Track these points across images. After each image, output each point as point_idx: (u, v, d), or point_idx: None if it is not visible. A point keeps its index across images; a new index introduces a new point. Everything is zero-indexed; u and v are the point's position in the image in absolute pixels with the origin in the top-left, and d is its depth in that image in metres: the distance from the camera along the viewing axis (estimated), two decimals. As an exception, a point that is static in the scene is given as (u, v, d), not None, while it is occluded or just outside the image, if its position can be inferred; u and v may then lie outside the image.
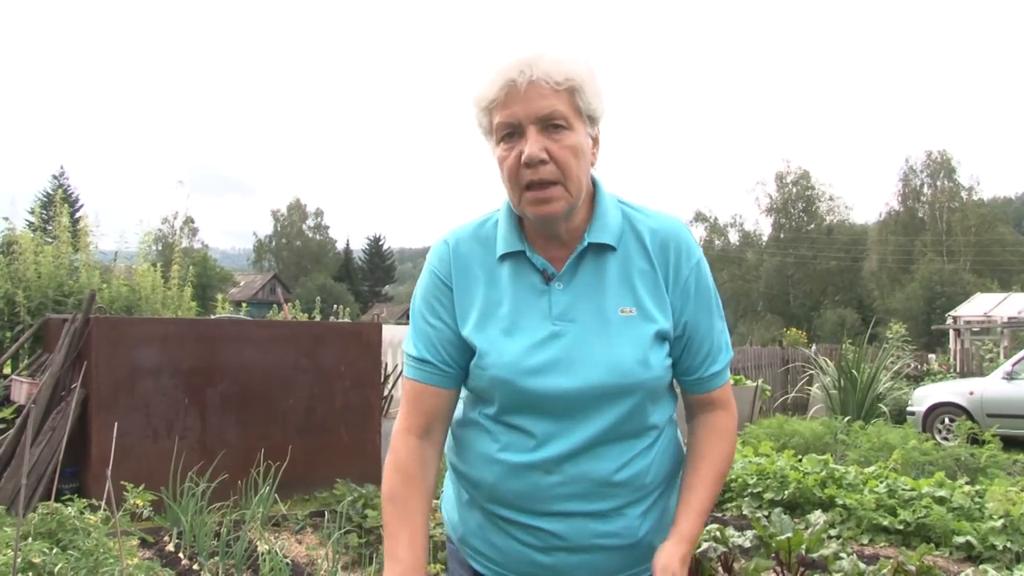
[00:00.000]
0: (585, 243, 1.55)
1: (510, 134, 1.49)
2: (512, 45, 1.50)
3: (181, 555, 4.87)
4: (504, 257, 1.59)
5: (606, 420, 1.52)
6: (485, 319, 1.57)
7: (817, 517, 4.60)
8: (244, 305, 14.45)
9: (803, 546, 4.05)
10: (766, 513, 5.78)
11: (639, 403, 1.54)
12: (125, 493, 4.48)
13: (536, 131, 1.46)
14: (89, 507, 4.32)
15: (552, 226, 1.54)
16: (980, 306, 22.82)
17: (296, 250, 74.96)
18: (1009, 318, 19.98)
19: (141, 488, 4.58)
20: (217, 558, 4.56)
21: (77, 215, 11.92)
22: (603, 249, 1.57)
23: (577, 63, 1.49)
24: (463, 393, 1.67)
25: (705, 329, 1.60)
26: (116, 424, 5.31)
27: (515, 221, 1.60)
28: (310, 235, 76.93)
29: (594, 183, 1.62)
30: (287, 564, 4.27)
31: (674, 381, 1.67)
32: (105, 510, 4.12)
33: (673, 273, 1.57)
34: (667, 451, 1.63)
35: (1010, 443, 9.83)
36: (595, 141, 1.56)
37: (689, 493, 1.58)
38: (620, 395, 1.52)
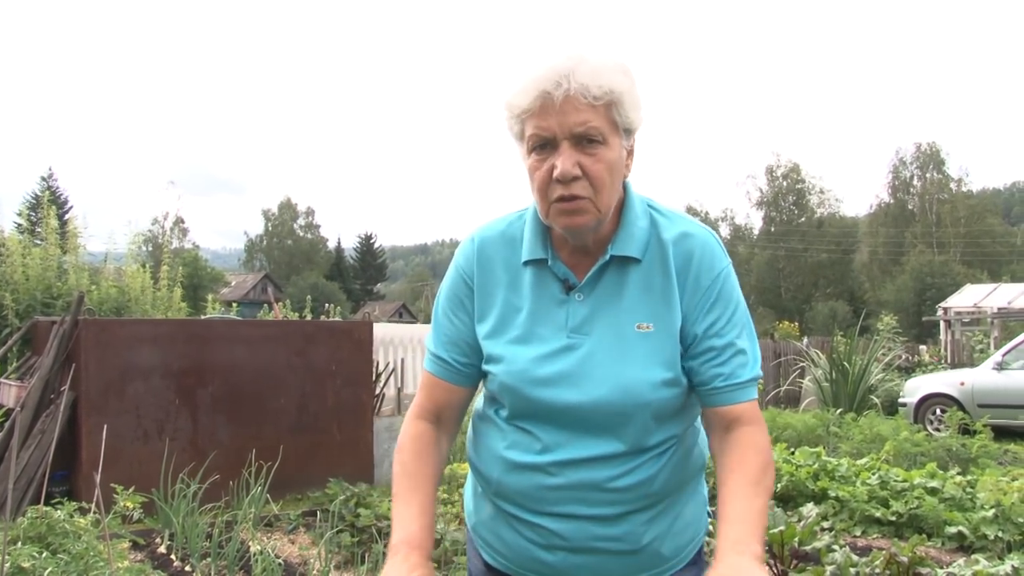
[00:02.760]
0: (608, 256, 1.52)
1: (542, 146, 1.45)
2: (549, 48, 1.44)
3: (173, 557, 4.86)
4: (528, 263, 1.57)
5: (612, 436, 1.50)
6: (502, 324, 1.57)
7: (809, 510, 4.62)
8: (235, 305, 14.44)
9: (796, 539, 4.07)
10: (759, 506, 5.78)
11: (646, 423, 1.50)
12: (115, 496, 4.46)
13: (570, 145, 1.42)
14: (79, 510, 4.29)
15: (580, 236, 1.51)
16: (970, 297, 22.88)
17: (287, 249, 74.80)
18: (999, 308, 20.04)
19: (131, 490, 4.56)
20: (209, 559, 4.55)
21: (66, 217, 11.86)
22: (627, 261, 1.52)
23: (617, 74, 1.42)
24: (483, 389, 1.68)
25: (725, 340, 1.50)
26: (106, 426, 5.29)
27: (541, 226, 1.57)
28: (301, 234, 76.77)
29: (624, 188, 1.57)
30: (279, 564, 4.26)
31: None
32: (95, 513, 4.10)
33: (693, 282, 1.51)
34: (683, 460, 1.58)
35: (1001, 433, 9.88)
36: (629, 152, 1.52)
37: (722, 508, 1.44)
38: (626, 414, 1.49)
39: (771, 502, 4.77)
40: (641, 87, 1.49)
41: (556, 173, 1.42)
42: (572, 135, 1.41)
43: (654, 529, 1.54)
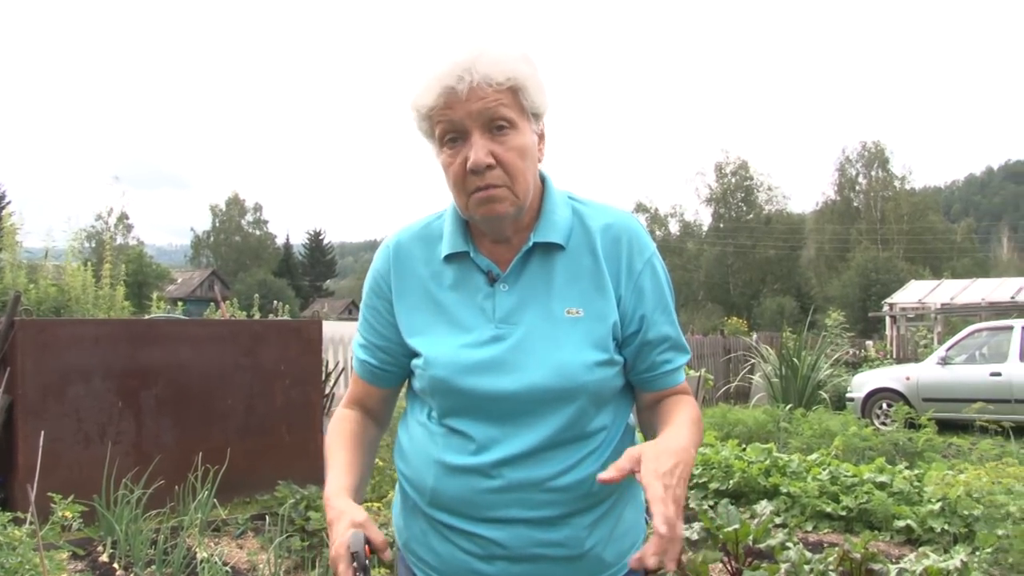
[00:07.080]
0: (531, 243, 1.51)
1: (454, 139, 1.44)
2: (448, 45, 1.43)
3: (116, 565, 4.71)
4: (449, 258, 1.55)
5: (549, 425, 1.46)
6: (427, 320, 1.54)
7: (763, 507, 4.63)
8: (180, 303, 14.13)
9: (750, 537, 4.07)
10: (712, 504, 5.79)
11: (584, 407, 1.48)
12: (53, 504, 4.30)
13: (481, 134, 1.42)
14: (14, 520, 4.13)
15: (499, 227, 1.50)
16: (914, 293, 23.38)
17: (235, 246, 73.74)
18: (942, 304, 20.52)
19: (72, 498, 4.39)
20: (154, 567, 4.42)
21: (2, 212, 11.50)
22: (551, 248, 1.52)
23: (518, 60, 1.43)
24: (408, 394, 1.65)
25: (662, 325, 1.54)
26: (44, 431, 5.11)
27: (461, 221, 1.56)
28: (249, 230, 75.75)
29: (543, 180, 1.58)
30: (227, 571, 4.16)
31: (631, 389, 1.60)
32: (31, 523, 3.94)
33: (626, 269, 1.52)
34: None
35: (945, 426, 10.07)
36: (540, 137, 1.52)
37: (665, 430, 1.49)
38: (563, 399, 1.46)
39: (725, 500, 4.78)
40: (544, 74, 1.50)
41: (470, 164, 1.41)
42: (481, 122, 1.41)
43: (596, 533, 1.51)
